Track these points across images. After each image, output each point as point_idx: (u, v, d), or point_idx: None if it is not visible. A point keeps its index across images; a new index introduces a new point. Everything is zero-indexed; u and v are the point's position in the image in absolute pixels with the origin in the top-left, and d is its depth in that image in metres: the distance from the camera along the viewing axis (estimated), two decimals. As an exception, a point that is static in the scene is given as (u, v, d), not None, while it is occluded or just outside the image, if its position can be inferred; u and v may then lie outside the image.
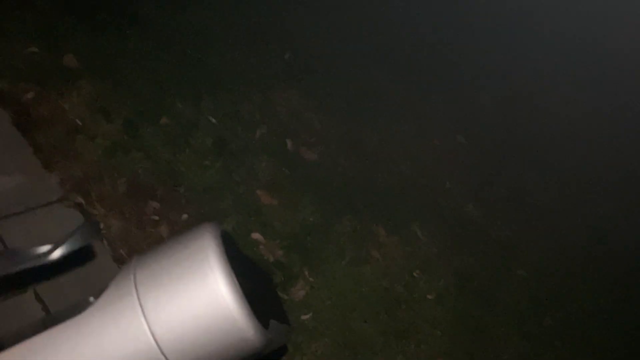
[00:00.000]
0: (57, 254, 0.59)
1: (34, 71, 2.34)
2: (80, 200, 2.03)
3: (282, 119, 2.87)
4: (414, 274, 2.62)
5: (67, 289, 1.78)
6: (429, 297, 2.57)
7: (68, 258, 0.61)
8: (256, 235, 2.29)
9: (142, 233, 2.03)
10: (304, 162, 2.75)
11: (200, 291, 0.49)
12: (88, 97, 2.36)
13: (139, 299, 0.50)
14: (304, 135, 2.87)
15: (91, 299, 0.53)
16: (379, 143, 3.13)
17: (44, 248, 0.64)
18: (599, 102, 4.52)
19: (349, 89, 3.32)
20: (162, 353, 0.50)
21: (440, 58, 4.01)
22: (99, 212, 2.03)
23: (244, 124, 2.71)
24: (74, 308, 0.52)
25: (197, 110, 2.61)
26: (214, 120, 2.62)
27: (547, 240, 3.23)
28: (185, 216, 2.18)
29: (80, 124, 2.27)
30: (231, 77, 2.90)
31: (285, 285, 2.20)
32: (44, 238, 1.88)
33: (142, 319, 0.49)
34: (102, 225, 2.01)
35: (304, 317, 2.14)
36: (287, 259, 2.29)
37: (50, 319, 0.51)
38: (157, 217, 2.11)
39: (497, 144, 3.65)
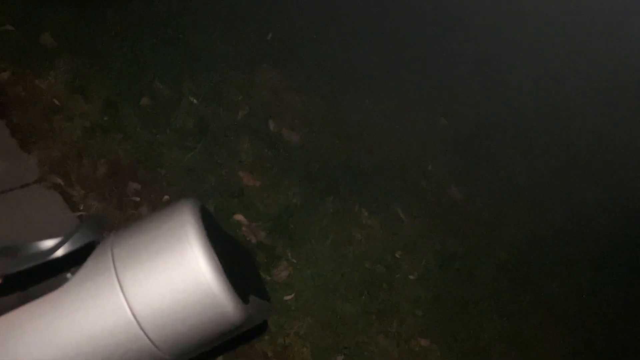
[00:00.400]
0: (62, 251, 0.56)
1: (9, 50, 2.29)
2: (60, 181, 2.01)
3: (264, 100, 2.85)
4: (396, 255, 2.63)
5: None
6: (411, 277, 2.59)
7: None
8: (239, 217, 2.28)
9: (122, 214, 2.01)
10: (287, 144, 2.73)
11: (178, 266, 0.49)
12: (66, 77, 2.32)
13: (116, 274, 0.49)
14: (286, 116, 2.86)
15: (68, 275, 0.52)
16: (361, 125, 3.13)
17: (47, 244, 0.59)
18: (581, 84, 4.56)
19: (331, 70, 3.30)
20: (141, 328, 0.49)
21: (423, 40, 4.00)
22: (78, 193, 2.01)
23: (225, 105, 2.69)
24: (50, 284, 0.51)
25: (178, 90, 2.58)
26: (195, 101, 2.59)
27: (527, 222, 3.26)
28: (166, 197, 2.16)
29: (58, 104, 2.23)
30: (213, 58, 2.87)
31: (269, 266, 2.20)
32: (23, 219, 1.86)
33: (120, 294, 0.48)
34: (82, 207, 1.98)
35: (286, 297, 2.15)
36: (269, 240, 2.29)
37: (27, 295, 0.50)
38: (137, 199, 2.10)
39: (479, 126, 3.67)
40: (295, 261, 2.28)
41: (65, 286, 0.50)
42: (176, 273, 0.49)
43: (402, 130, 3.27)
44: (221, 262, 0.49)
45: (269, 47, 3.16)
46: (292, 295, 2.17)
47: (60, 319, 0.49)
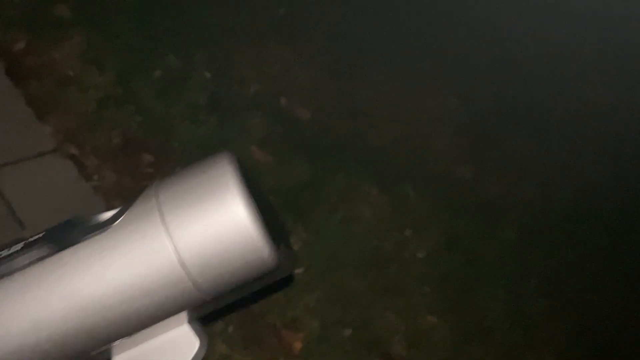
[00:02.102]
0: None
1: (24, 21, 2.30)
2: (74, 151, 2.03)
3: (276, 76, 2.86)
4: (405, 233, 2.65)
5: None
6: (419, 255, 2.61)
7: None
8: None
9: (136, 185, 2.03)
10: (298, 120, 2.74)
11: (220, 212, 0.51)
12: (80, 48, 2.33)
13: (162, 219, 0.51)
14: (298, 93, 2.86)
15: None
16: (373, 102, 3.13)
17: (108, 214, 0.58)
18: (593, 68, 4.53)
19: (343, 47, 3.29)
20: (185, 269, 0.52)
21: (436, 19, 3.97)
22: (92, 164, 2.03)
23: (237, 80, 2.69)
24: (90, 229, 0.53)
25: (190, 64, 2.59)
26: (208, 75, 2.60)
27: (536, 203, 3.27)
28: (179, 169, 2.18)
29: (72, 74, 2.24)
30: (225, 33, 2.87)
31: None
32: (39, 188, 1.89)
33: (166, 238, 0.51)
34: (95, 177, 2.01)
35: (296, 271, 2.18)
36: (280, 214, 2.30)
37: (64, 240, 0.52)
38: (151, 170, 2.12)
39: (490, 107, 3.66)
40: (304, 236, 2.30)
41: (111, 230, 0.52)
42: (217, 218, 0.51)
43: (413, 109, 3.27)
44: (257, 210, 0.52)
45: (280, 22, 3.15)
46: (302, 269, 2.20)
47: (106, 263, 0.51)
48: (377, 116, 3.08)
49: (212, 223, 0.50)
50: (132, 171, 2.08)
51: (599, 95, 4.35)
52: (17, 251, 0.54)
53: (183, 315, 0.61)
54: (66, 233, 0.53)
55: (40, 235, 0.55)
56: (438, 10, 4.06)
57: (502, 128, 3.59)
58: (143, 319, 0.54)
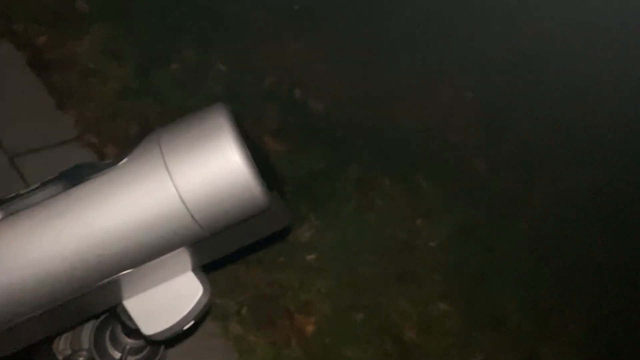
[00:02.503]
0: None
1: (46, 15, 2.38)
2: (94, 140, 2.10)
3: (291, 68, 2.90)
4: (417, 223, 2.68)
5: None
6: (431, 244, 2.64)
7: None
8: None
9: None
10: (312, 111, 2.79)
11: (217, 156, 0.57)
12: (100, 41, 2.41)
13: (165, 162, 0.57)
14: (312, 85, 2.91)
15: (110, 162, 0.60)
16: (386, 95, 3.16)
17: (113, 160, 0.63)
18: (607, 61, 4.50)
19: (357, 40, 3.32)
20: (187, 208, 0.57)
21: (451, 13, 3.99)
22: (111, 152, 2.10)
23: (252, 73, 2.75)
24: (97, 170, 0.58)
25: (206, 57, 2.65)
26: (223, 68, 2.66)
27: (548, 195, 3.27)
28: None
29: (93, 67, 2.32)
30: (241, 27, 2.92)
31: (292, 227, 2.28)
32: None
33: (169, 178, 0.56)
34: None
35: (309, 257, 2.22)
36: (293, 202, 2.35)
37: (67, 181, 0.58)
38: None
39: (506, 100, 3.66)
40: (317, 223, 2.35)
41: (118, 167, 0.58)
42: (213, 158, 0.57)
43: (427, 101, 3.29)
44: (249, 154, 0.57)
45: (296, 17, 3.20)
46: (315, 255, 2.24)
47: (115, 194, 0.56)
48: (390, 109, 3.11)
49: (209, 162, 0.56)
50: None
51: (617, 88, 4.33)
52: (34, 189, 0.59)
53: (187, 262, 0.66)
54: (77, 173, 0.59)
55: (54, 176, 0.61)
56: (453, 3, 4.07)
57: (517, 121, 3.60)
58: (148, 251, 0.59)
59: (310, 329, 2.07)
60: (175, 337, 0.75)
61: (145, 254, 0.59)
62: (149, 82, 2.39)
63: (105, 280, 0.60)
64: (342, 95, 2.97)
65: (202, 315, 0.74)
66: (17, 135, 2.02)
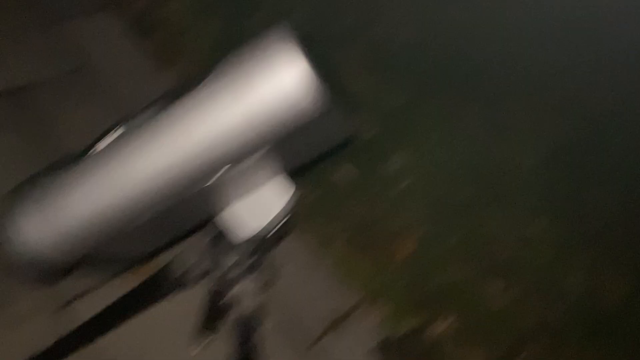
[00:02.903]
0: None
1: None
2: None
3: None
4: (509, 145, 2.69)
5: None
6: (525, 164, 2.64)
7: None
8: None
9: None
10: (399, 42, 2.83)
11: (283, 59, 0.72)
12: (189, 2, 2.58)
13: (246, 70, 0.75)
14: (397, 16, 2.93)
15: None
16: (472, 23, 3.10)
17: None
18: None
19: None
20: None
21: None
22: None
23: (333, 15, 2.82)
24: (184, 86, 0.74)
25: (288, 5, 2.75)
26: (301, 17, 2.75)
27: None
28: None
29: (185, 26, 2.50)
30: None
31: (379, 159, 2.38)
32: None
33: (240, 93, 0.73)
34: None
35: (403, 184, 2.33)
36: (379, 135, 2.45)
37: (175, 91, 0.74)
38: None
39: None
40: (405, 154, 2.43)
41: (200, 89, 0.73)
42: (280, 74, 0.72)
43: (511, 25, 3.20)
44: (310, 60, 0.70)
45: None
46: (404, 184, 2.34)
47: (217, 97, 0.71)
48: (475, 36, 3.06)
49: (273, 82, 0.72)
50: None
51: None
52: (145, 107, 0.75)
53: (278, 163, 0.79)
54: (178, 90, 0.74)
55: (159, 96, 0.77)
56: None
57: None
58: (256, 135, 0.72)
59: (408, 250, 2.20)
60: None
61: (261, 136, 0.72)
62: (238, 35, 2.54)
63: (220, 172, 0.74)
64: (428, 23, 2.96)
65: (292, 215, 0.88)
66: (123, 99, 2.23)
